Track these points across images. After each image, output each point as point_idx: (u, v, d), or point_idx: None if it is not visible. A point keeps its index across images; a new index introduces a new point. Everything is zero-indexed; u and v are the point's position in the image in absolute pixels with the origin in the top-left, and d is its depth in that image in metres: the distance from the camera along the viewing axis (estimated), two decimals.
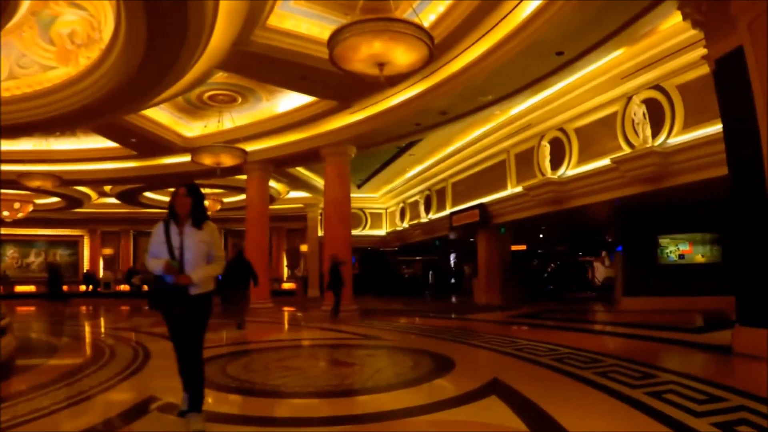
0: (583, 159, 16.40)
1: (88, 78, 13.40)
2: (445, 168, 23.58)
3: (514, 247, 23.53)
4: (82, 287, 35.82)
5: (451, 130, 19.71)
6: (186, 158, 20.52)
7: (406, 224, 28.34)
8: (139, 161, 21.78)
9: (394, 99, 14.85)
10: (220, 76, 15.16)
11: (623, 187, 14.90)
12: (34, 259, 37.97)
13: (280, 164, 19.98)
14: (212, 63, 12.76)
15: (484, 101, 14.26)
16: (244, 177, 20.79)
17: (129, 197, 29.53)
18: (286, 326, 14.74)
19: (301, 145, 18.01)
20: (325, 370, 7.77)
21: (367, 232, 31.68)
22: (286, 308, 20.93)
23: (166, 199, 29.78)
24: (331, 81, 13.51)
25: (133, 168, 22.24)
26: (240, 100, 17.01)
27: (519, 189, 18.88)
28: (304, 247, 32.97)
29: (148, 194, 29.65)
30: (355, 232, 30.94)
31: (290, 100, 16.61)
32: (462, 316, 16.19)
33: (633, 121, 14.21)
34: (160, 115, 18.19)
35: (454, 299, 25.40)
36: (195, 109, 17.80)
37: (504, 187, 19.99)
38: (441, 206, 24.69)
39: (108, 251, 38.37)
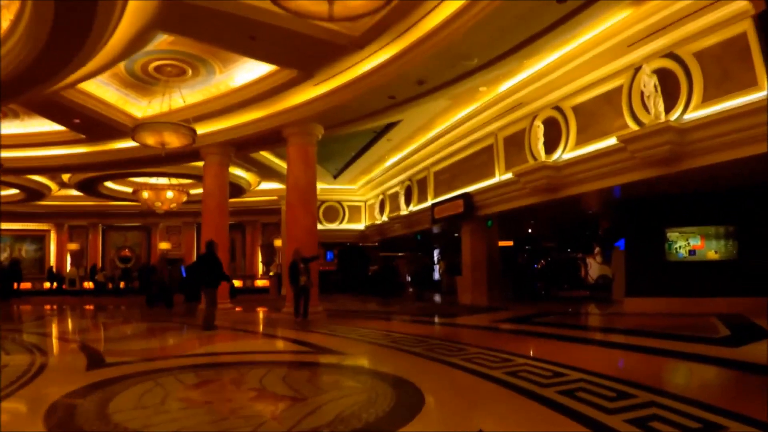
0: (582, 140, 14.15)
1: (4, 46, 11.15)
2: (427, 155, 21.19)
3: (500, 243, 21.21)
4: (46, 284, 33.35)
5: (433, 111, 17.40)
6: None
7: (385, 217, 25.94)
8: (89, 146, 19.26)
9: (362, 66, 12.43)
10: (164, 42, 12.79)
11: (631, 171, 12.64)
12: None
13: (241, 147, 17.50)
14: (142, 20, 10.38)
15: (468, 66, 11.89)
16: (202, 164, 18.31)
17: (89, 187, 26.99)
18: (232, 333, 12.25)
19: (261, 124, 15.56)
20: (240, 406, 5.33)
21: (345, 225, 29.24)
22: (244, 310, 18.47)
23: (128, 189, 27.41)
24: (287, 42, 11.18)
25: (83, 154, 19.71)
26: (190, 72, 14.55)
27: (508, 176, 16.58)
28: (278, 242, 30.49)
29: (109, 185, 27.15)
30: (332, 226, 28.80)
31: (247, 72, 14.18)
32: (444, 320, 13.79)
33: (642, 94, 12.04)
34: (104, 91, 15.71)
35: (437, 298, 22.93)
36: (142, 84, 15.32)
37: (491, 174, 17.65)
38: (423, 197, 22.32)
39: (75, 246, 35.71)
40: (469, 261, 18.96)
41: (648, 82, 11.79)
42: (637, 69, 12.26)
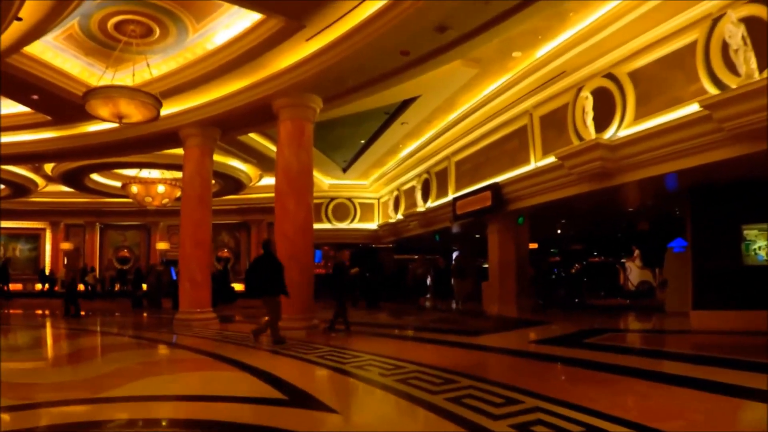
0: (643, 114, 11.10)
1: None
2: (447, 142, 18.06)
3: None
4: (38, 286, 30.74)
5: (455, 86, 14.32)
6: (116, 124, 15.26)
7: (400, 215, 22.83)
8: (58, 129, 16.40)
9: (365, 8, 9.33)
10: None
11: (717, 148, 9.58)
12: None
13: (227, 128, 14.46)
14: None
15: (501, 6, 8.80)
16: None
17: (74, 181, 24.15)
18: (193, 359, 9.16)
19: (246, 96, 12.49)
20: None
21: (357, 225, 26.16)
22: (230, 322, 15.47)
23: (116, 184, 24.61)
24: None
25: (53, 139, 16.84)
26: (158, 31, 11.57)
27: (547, 162, 13.53)
28: None
29: (95, 178, 24.36)
30: (342, 225, 25.75)
31: (225, 30, 11.18)
32: (471, 339, 10.58)
33: (723, 49, 9.09)
34: (62, 60, 12.81)
35: (455, 305, 19.74)
36: (105, 50, 12.31)
37: (525, 161, 14.53)
38: (442, 192, 19.19)
39: (68, 246, 33.00)
40: (497, 264, 15.81)
41: (734, 32, 8.74)
42: (716, 19, 9.25)
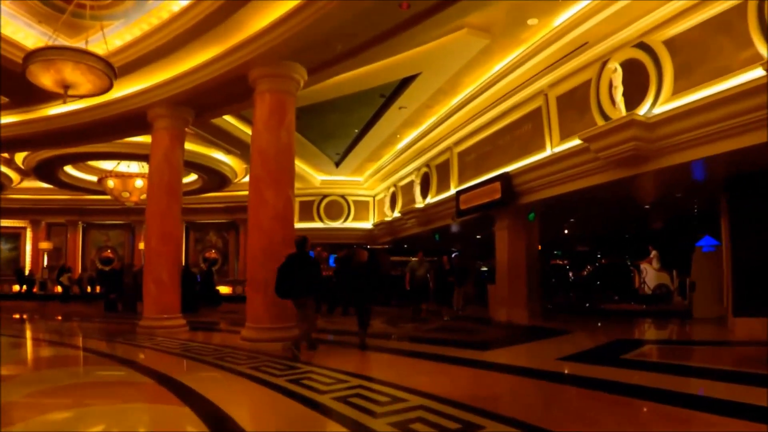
0: (683, 87, 9.26)
1: None
2: (449, 131, 16.12)
3: None
4: (15, 287, 28.71)
5: (459, 63, 12.43)
6: (81, 105, 13.32)
7: (397, 213, 20.88)
8: (17, 113, 14.43)
9: None
10: None
11: None
12: None
13: (201, 107, 12.43)
14: None
15: None
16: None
17: (47, 174, 22.11)
18: (129, 383, 7.14)
19: (220, 66, 10.45)
20: None
21: (350, 224, 24.17)
22: (210, 330, 13.49)
23: (92, 178, 22.62)
24: None
25: (13, 125, 14.84)
26: None
27: (565, 147, 11.65)
28: None
29: (70, 171, 22.39)
30: (335, 224, 23.80)
31: None
32: (482, 354, 8.58)
33: None
34: (13, 29, 10.90)
35: (458, 309, 17.76)
36: (60, 15, 10.41)
37: (539, 147, 12.61)
38: (443, 186, 17.25)
39: (48, 245, 30.90)
40: (506, 265, 13.84)
41: None
42: None
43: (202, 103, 12.13)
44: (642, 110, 9.64)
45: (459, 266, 16.83)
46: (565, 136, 11.84)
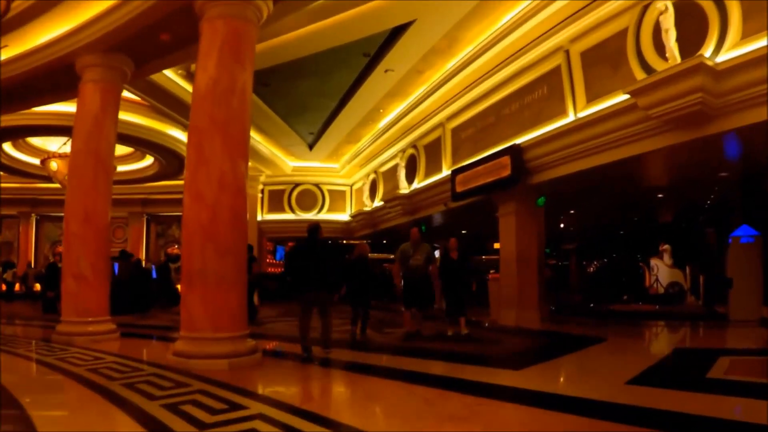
0: (755, 29, 6.96)
1: None
2: (443, 102, 13.56)
3: None
4: None
5: (460, 12, 9.98)
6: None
7: (378, 201, 18.30)
8: None
9: None
10: None
11: None
12: None
13: (141, 55, 9.59)
14: None
15: None
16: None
17: None
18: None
19: None
20: None
21: (325, 215, 21.44)
22: (163, 340, 10.76)
23: (34, 161, 19.64)
24: None
25: None
26: None
27: (593, 110, 9.20)
28: None
29: (8, 150, 19.38)
30: (307, 215, 21.11)
31: None
32: (512, 378, 5.89)
33: None
34: None
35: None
36: None
37: (558, 113, 10.16)
38: (433, 168, 14.71)
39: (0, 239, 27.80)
40: (514, 259, 11.30)
41: None
42: None
43: (141, 49, 9.37)
44: (706, 53, 7.29)
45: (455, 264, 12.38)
46: (593, 98, 9.42)
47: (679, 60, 7.53)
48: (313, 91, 13.63)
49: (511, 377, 5.77)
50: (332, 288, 7.43)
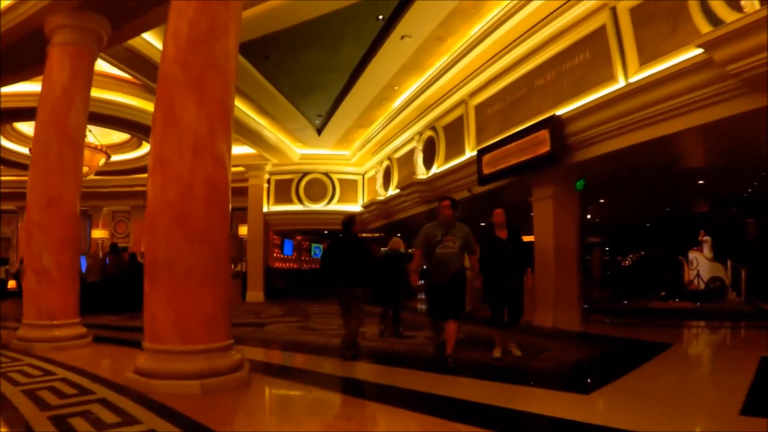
0: None
1: None
2: (465, 76, 11.97)
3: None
4: None
5: None
6: None
7: (392, 190, 16.81)
8: None
9: None
10: None
11: None
12: None
13: (118, 14, 8.18)
14: None
15: None
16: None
17: None
18: None
19: None
20: None
21: (335, 206, 19.97)
22: (115, 343, 9.30)
23: (24, 150, 18.33)
24: None
25: None
26: None
27: (650, 72, 7.63)
28: (243, 230, 21.33)
29: (4, 143, 18.15)
30: (316, 206, 19.69)
31: None
32: (579, 412, 4.21)
33: None
34: None
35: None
36: None
37: (605, 79, 8.61)
38: (455, 150, 13.18)
39: None
40: (551, 250, 9.75)
41: None
42: None
43: (117, 6, 7.96)
44: None
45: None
46: (647, 60, 7.88)
47: (758, 7, 5.99)
48: (319, 64, 12.16)
49: (582, 407, 4.25)
50: (368, 285, 6.90)
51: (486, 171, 10.64)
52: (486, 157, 10.68)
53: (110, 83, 13.57)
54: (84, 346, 7.51)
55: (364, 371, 6.01)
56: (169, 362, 4.51)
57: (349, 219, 7.25)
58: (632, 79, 8.07)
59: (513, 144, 9.82)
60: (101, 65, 11.17)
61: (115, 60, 10.61)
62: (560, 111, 9.21)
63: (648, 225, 20.45)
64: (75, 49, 8.18)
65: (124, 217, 26.69)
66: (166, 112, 4.98)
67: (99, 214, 26.64)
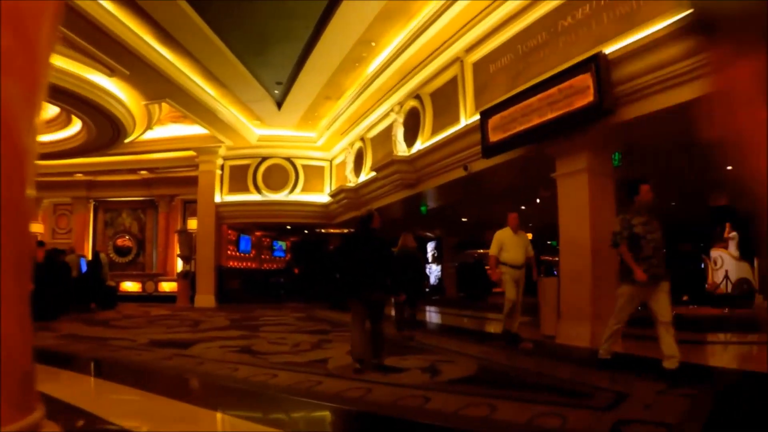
0: None
1: None
2: (462, 24, 9.51)
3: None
4: None
5: None
6: None
7: (366, 174, 14.25)
8: None
9: None
10: None
11: None
12: None
13: None
14: None
15: None
16: None
17: None
18: None
19: None
20: None
21: (298, 196, 17.32)
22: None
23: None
24: None
25: None
26: None
27: None
28: (192, 224, 18.52)
29: None
30: (276, 196, 17.02)
31: None
32: None
33: None
34: None
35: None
36: None
37: (664, 11, 6.16)
38: (445, 119, 10.60)
39: None
40: (587, 243, 7.21)
41: None
42: None
43: None
44: None
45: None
46: None
47: None
48: (277, 11, 9.52)
49: None
50: (390, 289, 6.61)
51: (493, 138, 8.09)
52: (493, 120, 8.11)
53: None
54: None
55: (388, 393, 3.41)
56: None
57: (369, 215, 6.60)
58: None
59: (535, 98, 7.27)
60: None
61: None
62: (613, 47, 6.69)
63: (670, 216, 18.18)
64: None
65: (66, 211, 23.52)
66: None
67: (39, 206, 23.38)
